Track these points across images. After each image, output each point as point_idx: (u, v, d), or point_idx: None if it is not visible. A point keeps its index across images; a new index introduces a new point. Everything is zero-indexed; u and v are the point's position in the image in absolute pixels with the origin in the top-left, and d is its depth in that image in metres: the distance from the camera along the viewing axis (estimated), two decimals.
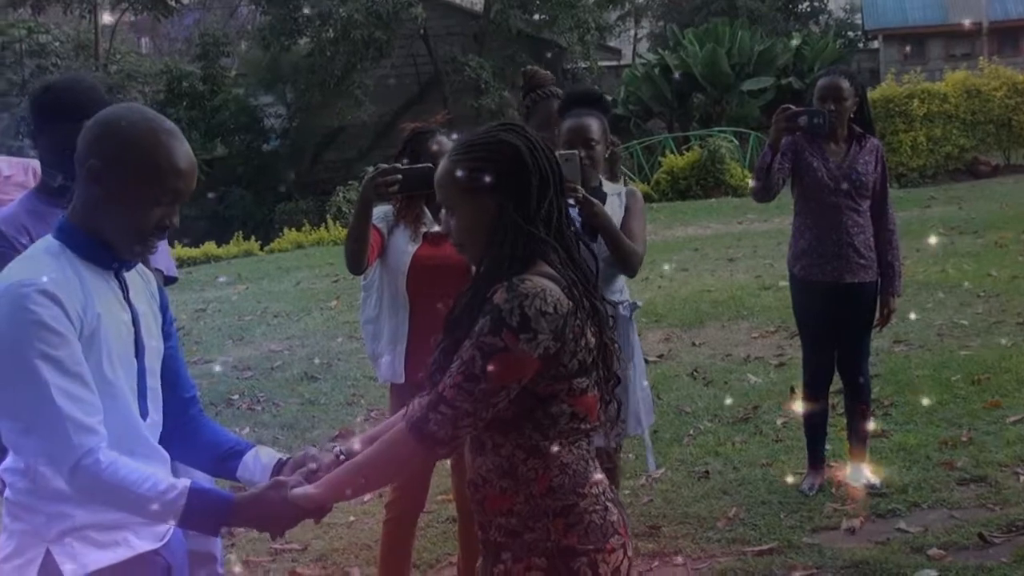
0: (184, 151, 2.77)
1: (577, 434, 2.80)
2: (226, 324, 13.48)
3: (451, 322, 2.83)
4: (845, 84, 6.19)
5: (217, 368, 10.84)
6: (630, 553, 2.88)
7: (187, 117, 35.92)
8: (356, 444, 2.96)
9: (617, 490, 5.25)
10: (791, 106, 6.11)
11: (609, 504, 2.84)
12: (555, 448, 2.77)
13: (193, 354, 11.61)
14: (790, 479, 6.50)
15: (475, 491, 2.89)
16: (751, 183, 6.53)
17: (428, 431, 2.67)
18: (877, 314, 6.34)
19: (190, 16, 41.84)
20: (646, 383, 5.36)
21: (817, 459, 6.43)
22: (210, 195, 33.96)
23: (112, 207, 2.73)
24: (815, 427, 6.45)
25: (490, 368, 2.63)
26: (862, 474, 6.28)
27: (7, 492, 2.83)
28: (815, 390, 6.42)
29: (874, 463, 6.42)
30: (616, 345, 2.91)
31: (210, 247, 23.32)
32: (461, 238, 2.88)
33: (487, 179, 2.79)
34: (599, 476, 2.86)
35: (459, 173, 2.83)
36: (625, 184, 5.56)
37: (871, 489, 6.19)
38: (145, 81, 36.99)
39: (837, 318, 6.24)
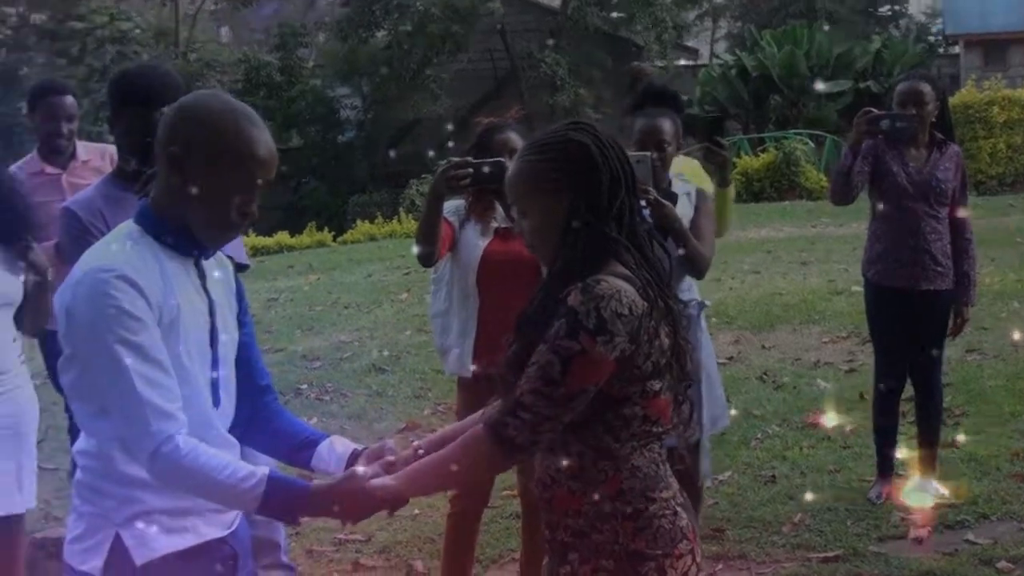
0: (265, 139, 2.78)
1: (649, 437, 2.79)
2: (297, 314, 13.54)
3: (523, 323, 2.82)
4: (927, 89, 6.10)
5: (286, 357, 10.93)
6: (698, 559, 2.86)
7: (264, 107, 35.83)
8: (434, 441, 2.96)
9: (698, 488, 5.24)
10: (872, 109, 6.03)
11: (679, 509, 2.82)
12: (626, 451, 2.75)
13: (263, 343, 11.66)
14: (857, 486, 6.45)
15: (544, 490, 2.87)
16: (829, 185, 6.46)
17: (507, 436, 2.66)
18: (950, 323, 6.26)
19: (269, 6, 42.03)
20: (719, 384, 5.34)
21: (886, 467, 6.35)
22: (285, 185, 34.31)
23: (192, 194, 2.73)
24: (885, 434, 6.38)
25: (568, 372, 2.61)
26: (931, 484, 6.19)
27: (78, 474, 2.86)
28: (887, 397, 6.34)
29: (944, 473, 6.34)
30: (691, 347, 2.89)
31: (283, 237, 23.46)
32: (533, 239, 2.87)
33: (557, 179, 2.78)
34: (671, 480, 2.85)
35: (529, 174, 2.82)
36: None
37: (939, 499, 6.11)
38: (223, 70, 37.23)
39: (911, 325, 6.16)
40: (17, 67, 34.15)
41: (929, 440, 6.31)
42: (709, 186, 5.58)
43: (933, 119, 6.16)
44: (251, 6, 39.80)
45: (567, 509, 2.82)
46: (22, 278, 4.98)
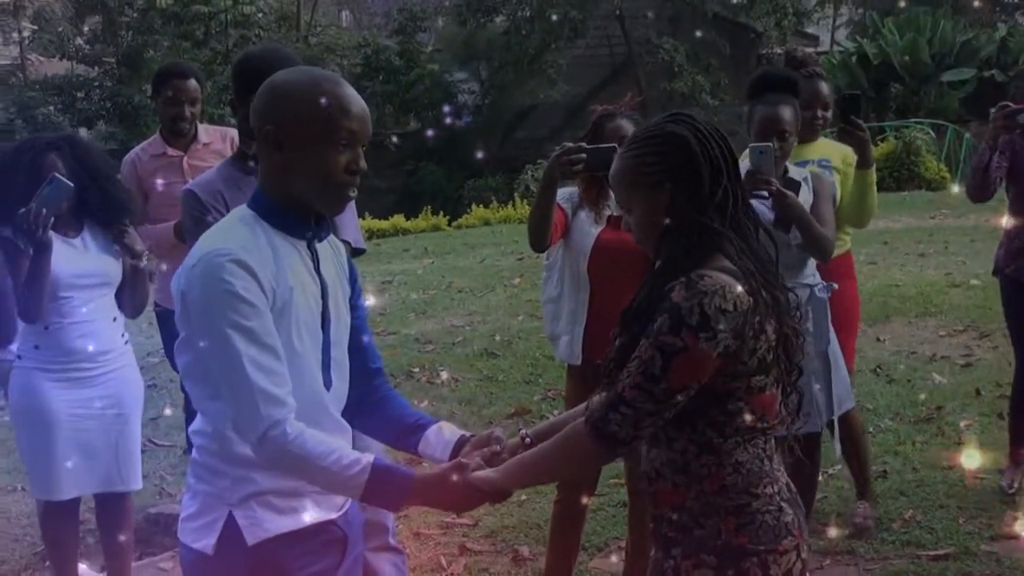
0: (350, 94, 2.81)
1: (753, 432, 2.77)
2: (410, 297, 13.60)
3: (628, 317, 2.82)
4: None
5: (399, 340, 11.01)
6: (804, 555, 2.84)
7: (383, 91, 36.54)
8: (543, 430, 2.97)
9: (815, 478, 5.23)
10: (1009, 104, 5.86)
11: (784, 504, 2.80)
12: (729, 446, 2.74)
13: (377, 326, 11.76)
14: (971, 483, 6.35)
15: (648, 484, 2.88)
16: (967, 181, 6.29)
17: (608, 431, 2.67)
18: None
19: None
20: (843, 366, 5.32)
21: (1019, 453, 6.23)
22: (401, 169, 34.50)
23: (296, 166, 2.77)
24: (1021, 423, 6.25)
25: (670, 368, 2.61)
26: None
27: (194, 453, 2.91)
28: None
29: None
30: (800, 337, 2.86)
31: (399, 220, 23.49)
32: (639, 234, 2.87)
33: (657, 173, 2.78)
34: (777, 474, 2.83)
35: (629, 169, 2.83)
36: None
37: None
38: (343, 54, 37.45)
39: None
40: (142, 50, 34.72)
41: None
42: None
43: None
44: None
45: (671, 503, 2.82)
46: (121, 260, 5.09)
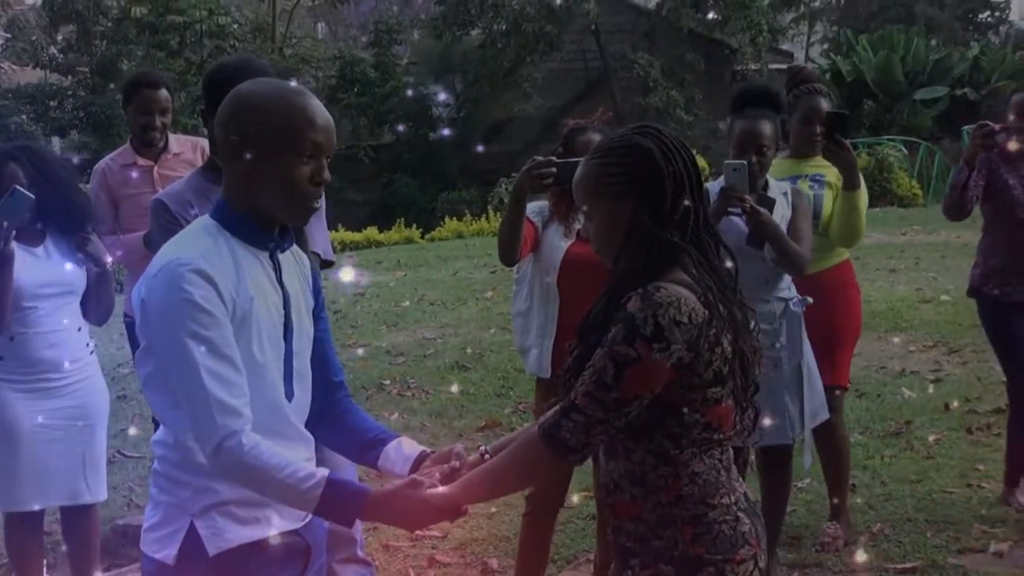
0: (315, 105, 2.80)
1: (710, 444, 2.77)
2: (382, 309, 13.63)
3: (585, 328, 2.83)
4: None
5: (371, 352, 10.99)
6: (761, 564, 2.83)
7: (357, 103, 36.67)
8: (501, 445, 2.96)
9: (786, 489, 5.23)
10: (988, 123, 5.86)
11: (741, 514, 2.80)
12: (686, 457, 2.75)
13: (349, 337, 11.78)
14: (939, 497, 6.37)
15: (607, 495, 2.88)
16: (944, 200, 6.27)
17: (560, 438, 2.67)
18: None
19: (366, 3, 42.31)
20: (818, 378, 5.29)
21: (1015, 472, 6.18)
22: (375, 181, 34.53)
23: (261, 176, 2.76)
24: (1017, 441, 6.19)
25: (622, 378, 2.61)
26: None
27: (155, 464, 2.89)
28: (1020, 405, 6.14)
29: None
30: (757, 354, 2.87)
31: (372, 232, 23.56)
32: (597, 243, 2.88)
33: (620, 184, 2.78)
34: (735, 484, 2.83)
35: (593, 178, 2.83)
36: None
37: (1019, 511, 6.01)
38: (318, 66, 37.64)
39: None
40: (117, 60, 34.74)
41: None
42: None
43: None
44: (348, 3, 40.21)
45: (628, 514, 2.82)
46: (85, 268, 5.06)
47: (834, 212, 5.56)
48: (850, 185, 5.41)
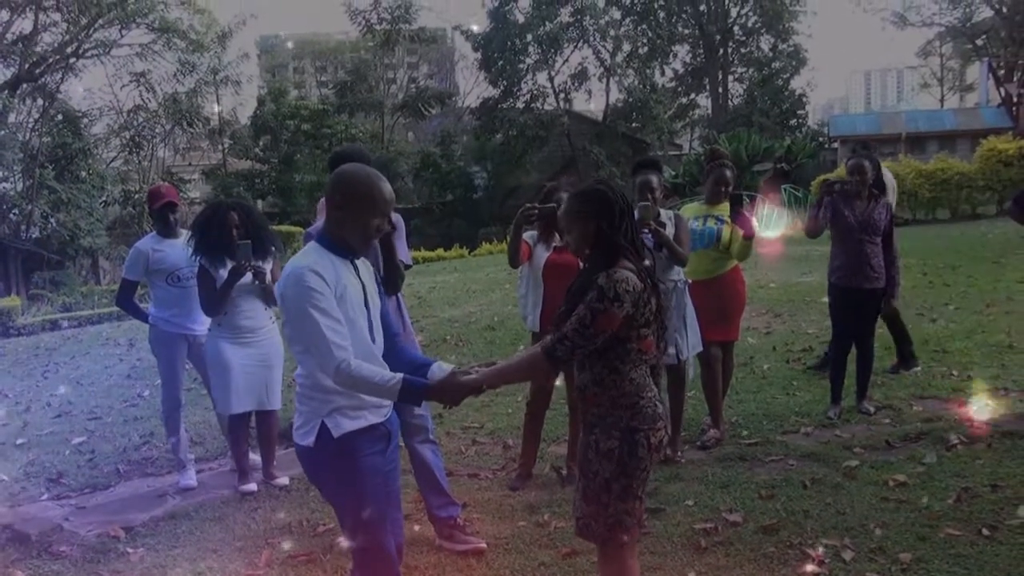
0: (386, 186, 2.75)
1: (640, 362, 2.76)
2: (445, 296, 13.56)
3: (571, 294, 2.81)
4: (866, 164, 5.71)
5: (437, 321, 10.90)
6: (668, 432, 2.88)
7: (431, 178, 37.47)
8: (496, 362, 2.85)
9: (683, 391, 5.14)
10: (830, 177, 5.69)
11: (657, 403, 2.81)
12: (626, 368, 2.74)
13: (426, 312, 11.69)
14: (770, 401, 6.24)
15: (579, 393, 2.85)
16: (805, 225, 6.04)
17: (555, 354, 2.67)
18: (882, 308, 5.85)
19: (436, 120, 42.76)
20: (695, 323, 5.13)
21: (837, 395, 5.90)
22: (441, 223, 34.83)
23: (349, 223, 2.71)
24: (837, 376, 5.91)
25: (595, 321, 2.62)
26: (863, 405, 5.84)
27: (297, 388, 2.82)
28: (839, 358, 5.90)
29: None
30: (669, 310, 2.82)
31: (440, 252, 23.94)
32: (576, 248, 2.84)
33: (588, 212, 2.76)
34: (652, 386, 2.83)
35: (572, 209, 2.81)
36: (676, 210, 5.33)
37: (861, 413, 5.76)
38: (408, 156, 38.58)
39: (855, 310, 5.76)
40: (293, 154, 35.72)
41: (863, 383, 5.90)
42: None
43: (872, 181, 5.76)
44: (426, 120, 40.72)
45: (592, 403, 2.80)
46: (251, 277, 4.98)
47: (731, 239, 5.30)
48: (748, 236, 5.20)
